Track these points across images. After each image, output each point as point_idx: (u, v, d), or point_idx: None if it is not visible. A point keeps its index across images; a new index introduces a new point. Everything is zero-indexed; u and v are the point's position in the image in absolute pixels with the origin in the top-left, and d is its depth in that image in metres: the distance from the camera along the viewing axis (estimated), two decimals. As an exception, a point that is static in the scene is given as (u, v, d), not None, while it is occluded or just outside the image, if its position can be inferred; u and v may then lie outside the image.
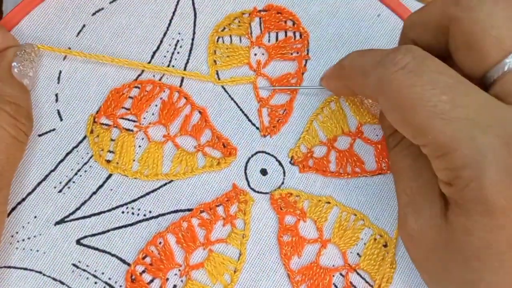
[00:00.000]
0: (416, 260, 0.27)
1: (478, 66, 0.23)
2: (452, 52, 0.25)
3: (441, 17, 0.25)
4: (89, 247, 0.29)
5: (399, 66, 0.23)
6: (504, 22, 0.23)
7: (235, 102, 0.32)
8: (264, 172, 0.32)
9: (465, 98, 0.22)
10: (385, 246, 0.31)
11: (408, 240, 0.27)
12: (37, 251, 0.29)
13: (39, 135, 0.30)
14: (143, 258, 0.29)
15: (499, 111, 0.22)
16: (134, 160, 0.31)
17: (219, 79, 0.33)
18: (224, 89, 0.33)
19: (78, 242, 0.29)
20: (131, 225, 0.30)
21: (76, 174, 0.30)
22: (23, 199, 0.29)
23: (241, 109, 0.32)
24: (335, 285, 0.30)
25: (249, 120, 0.32)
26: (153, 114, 0.32)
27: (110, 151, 0.31)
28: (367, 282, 0.30)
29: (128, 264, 0.29)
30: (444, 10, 0.25)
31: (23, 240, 0.29)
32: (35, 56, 0.30)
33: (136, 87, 0.32)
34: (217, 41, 0.33)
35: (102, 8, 0.33)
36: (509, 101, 0.23)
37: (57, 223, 0.29)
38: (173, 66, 0.33)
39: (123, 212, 0.30)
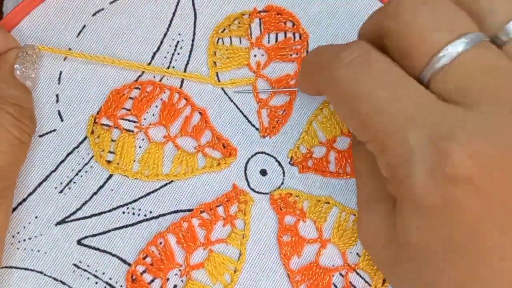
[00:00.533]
0: (373, 259, 0.27)
1: (412, 70, 0.23)
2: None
3: (377, 29, 0.25)
4: (90, 247, 0.29)
5: (346, 61, 0.23)
6: (428, 24, 0.23)
7: (234, 103, 0.33)
8: (263, 172, 0.32)
9: (405, 94, 0.22)
10: (384, 246, 0.31)
11: (363, 237, 0.27)
12: (38, 251, 0.29)
13: (40, 136, 0.31)
14: (144, 258, 0.29)
15: (435, 109, 0.22)
16: (134, 161, 0.31)
17: (219, 81, 0.33)
18: (224, 90, 0.33)
19: (79, 242, 0.29)
20: (131, 225, 0.30)
21: (77, 174, 0.30)
22: (24, 200, 0.30)
23: (240, 110, 0.33)
24: (334, 285, 0.30)
25: (249, 121, 0.32)
26: (153, 115, 0.32)
27: (110, 152, 0.31)
28: (366, 282, 0.30)
29: (129, 264, 0.29)
30: (377, 22, 0.25)
31: (24, 240, 0.29)
32: (37, 58, 0.30)
33: (136, 88, 0.32)
34: (217, 42, 0.34)
35: (103, 9, 0.33)
36: (443, 99, 0.23)
37: (58, 223, 0.30)
38: (173, 67, 0.33)
39: (123, 213, 0.30)
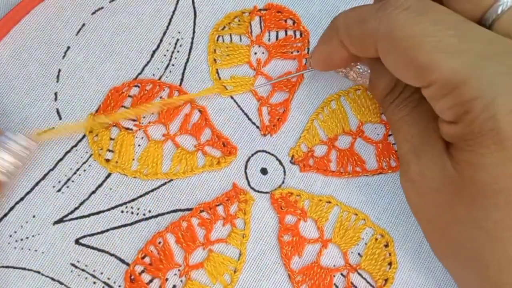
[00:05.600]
0: (418, 208, 0.27)
1: (474, 11, 0.23)
2: (446, 2, 0.25)
3: None
4: (88, 246, 0.29)
5: (403, 7, 0.23)
6: None
7: (234, 100, 0.32)
8: (264, 171, 0.31)
9: (471, 33, 0.22)
10: (386, 246, 0.30)
11: (410, 187, 0.26)
12: (36, 250, 0.29)
13: (38, 134, 0.30)
14: (142, 258, 0.29)
15: (506, 45, 0.22)
16: (133, 159, 0.31)
17: (219, 78, 0.33)
18: (225, 87, 0.32)
19: (77, 241, 0.29)
20: (130, 224, 0.30)
21: (75, 173, 0.30)
22: (22, 198, 0.29)
23: (241, 108, 0.32)
24: (336, 285, 0.30)
25: (249, 119, 0.32)
26: (152, 113, 0.31)
27: (109, 150, 0.31)
28: (368, 282, 0.30)
29: (127, 264, 0.29)
30: None
31: (22, 239, 0.29)
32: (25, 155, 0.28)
33: (135, 86, 0.32)
34: (217, 40, 0.33)
35: (102, 7, 0.33)
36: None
37: (56, 222, 0.29)
38: (172, 65, 0.33)
39: (122, 212, 0.30)
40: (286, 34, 0.34)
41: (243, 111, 0.32)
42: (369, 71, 0.30)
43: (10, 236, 0.29)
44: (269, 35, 0.34)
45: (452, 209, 0.24)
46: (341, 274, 0.30)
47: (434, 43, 0.22)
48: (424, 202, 0.26)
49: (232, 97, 0.32)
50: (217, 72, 0.33)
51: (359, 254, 0.30)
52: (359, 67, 0.31)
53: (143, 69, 0.32)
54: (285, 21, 0.34)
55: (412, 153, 0.26)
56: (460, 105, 0.22)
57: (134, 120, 0.31)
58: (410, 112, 0.26)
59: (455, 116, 0.23)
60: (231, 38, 0.34)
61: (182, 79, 0.32)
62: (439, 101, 0.23)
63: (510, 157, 0.21)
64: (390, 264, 0.30)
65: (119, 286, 0.28)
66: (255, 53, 0.33)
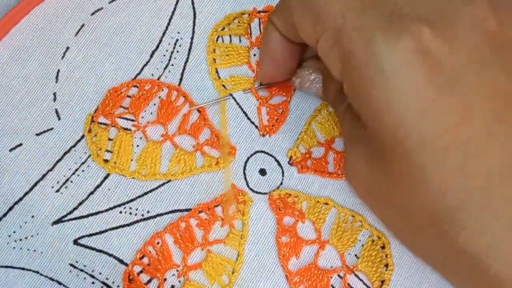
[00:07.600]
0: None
1: None
2: None
3: None
4: (86, 247, 0.29)
5: None
6: None
7: (234, 99, 0.32)
8: (263, 172, 0.31)
9: None
10: (383, 248, 0.30)
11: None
12: (34, 251, 0.29)
13: (37, 135, 0.30)
14: (141, 258, 0.29)
15: None
16: (132, 160, 0.31)
17: (219, 77, 0.33)
18: (224, 87, 0.33)
19: (75, 242, 0.29)
20: (128, 225, 0.30)
21: (73, 173, 0.30)
22: (21, 199, 0.29)
23: (240, 107, 0.32)
24: (333, 287, 0.30)
25: (248, 119, 0.32)
26: (151, 113, 0.32)
27: (108, 151, 0.31)
28: (364, 283, 0.30)
29: (126, 264, 0.29)
30: None
31: (21, 239, 0.29)
32: None
33: (134, 86, 0.32)
34: (217, 40, 0.33)
35: (101, 8, 0.33)
36: None
37: (55, 222, 0.29)
38: (172, 65, 0.33)
39: (120, 212, 0.30)
40: (285, 35, 0.34)
41: (242, 109, 0.32)
42: (318, 78, 0.31)
43: (9, 236, 0.29)
44: (268, 36, 0.34)
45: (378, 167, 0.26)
46: (338, 276, 0.30)
47: None
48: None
49: (231, 95, 0.32)
50: (217, 72, 0.33)
51: (356, 255, 0.30)
52: (312, 75, 0.31)
53: (142, 69, 0.32)
54: (284, 22, 0.34)
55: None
56: (344, 54, 0.24)
57: (132, 120, 0.31)
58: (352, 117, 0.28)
59: (340, 57, 0.25)
60: (230, 38, 0.34)
61: (181, 79, 0.32)
62: (330, 50, 0.25)
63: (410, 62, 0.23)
64: (386, 265, 0.30)
65: (118, 286, 0.29)
66: (254, 55, 0.33)
